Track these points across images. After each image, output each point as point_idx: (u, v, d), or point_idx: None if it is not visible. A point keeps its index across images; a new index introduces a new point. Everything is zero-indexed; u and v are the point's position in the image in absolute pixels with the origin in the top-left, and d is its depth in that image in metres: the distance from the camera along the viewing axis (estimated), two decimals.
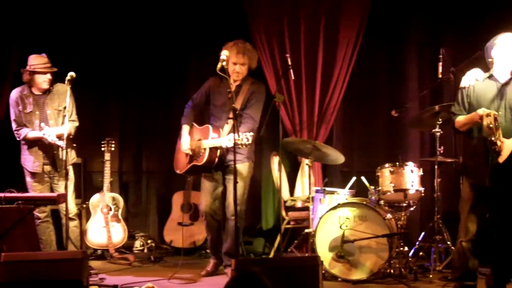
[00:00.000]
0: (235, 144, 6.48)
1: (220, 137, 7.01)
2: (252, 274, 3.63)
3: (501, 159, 5.72)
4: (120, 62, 9.75)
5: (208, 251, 7.88)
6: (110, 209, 8.65)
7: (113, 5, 9.58)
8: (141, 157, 10.06)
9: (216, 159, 7.09)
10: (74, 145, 7.72)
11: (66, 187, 7.15)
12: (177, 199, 9.12)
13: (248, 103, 7.21)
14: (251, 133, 6.55)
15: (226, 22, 9.20)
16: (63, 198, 6.92)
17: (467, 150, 6.19)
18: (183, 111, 7.54)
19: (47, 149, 7.49)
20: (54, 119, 7.52)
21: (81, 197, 8.89)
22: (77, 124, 7.65)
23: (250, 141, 6.51)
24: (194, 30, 9.54)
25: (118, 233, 8.65)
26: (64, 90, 7.37)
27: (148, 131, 9.99)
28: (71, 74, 7.05)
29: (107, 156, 8.60)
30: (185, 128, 7.38)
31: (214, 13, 9.41)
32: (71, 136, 7.52)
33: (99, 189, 8.71)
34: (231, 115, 6.58)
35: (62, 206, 7.44)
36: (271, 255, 8.27)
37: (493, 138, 5.57)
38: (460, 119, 6.06)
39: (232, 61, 7.10)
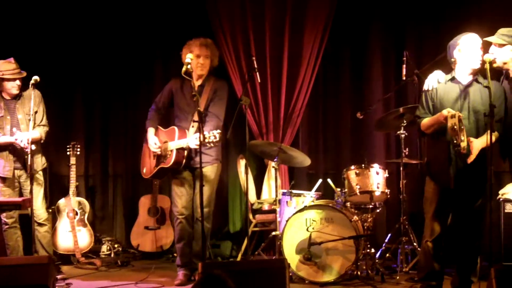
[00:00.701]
0: (201, 144, 6.49)
1: (186, 138, 6.99)
2: (216, 277, 3.64)
3: (470, 159, 5.76)
4: (84, 64, 9.69)
5: (175, 254, 7.82)
6: (76, 214, 8.60)
7: (76, 6, 9.53)
8: (107, 161, 9.99)
9: (184, 160, 7.08)
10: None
11: (31, 192, 7.10)
12: (144, 202, 9.09)
13: (212, 102, 7.20)
14: (218, 131, 6.55)
15: (191, 24, 9.17)
16: (28, 203, 6.86)
17: (432, 152, 6.25)
18: (147, 115, 7.52)
19: (18, 154, 7.42)
20: (26, 124, 7.45)
21: (47, 201, 8.81)
22: (47, 128, 7.61)
23: (218, 139, 6.51)
24: (158, 32, 9.53)
25: (85, 238, 8.60)
26: (35, 95, 7.35)
27: (114, 134, 9.93)
28: (35, 78, 7.06)
29: (72, 160, 8.54)
30: (151, 131, 7.36)
31: (178, 15, 9.40)
32: (42, 141, 7.51)
33: (65, 193, 8.65)
34: (196, 118, 6.57)
35: (34, 211, 7.40)
36: (239, 258, 8.26)
37: (456, 140, 5.61)
38: (425, 121, 6.10)
39: (196, 53, 7.08)
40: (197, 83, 7.19)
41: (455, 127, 5.59)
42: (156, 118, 7.48)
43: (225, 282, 3.61)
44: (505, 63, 5.96)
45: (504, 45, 5.92)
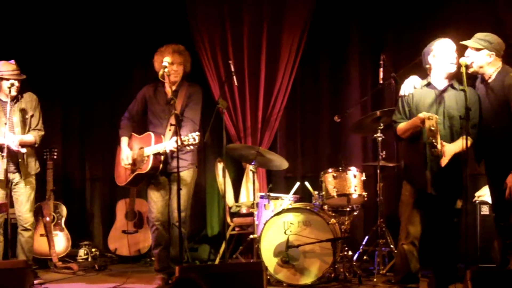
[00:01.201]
0: (180, 148, 6.49)
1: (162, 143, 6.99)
2: (190, 280, 3.65)
3: (443, 162, 5.80)
4: (62, 67, 9.66)
5: (153, 258, 7.81)
6: (53, 218, 8.56)
7: (55, 9, 9.49)
8: (85, 165, 9.96)
9: (161, 165, 7.06)
10: None
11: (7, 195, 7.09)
12: (121, 206, 9.07)
13: (187, 107, 7.17)
14: (197, 133, 6.53)
15: (170, 28, 9.19)
16: (5, 207, 6.83)
17: (408, 156, 6.28)
18: (120, 123, 7.50)
19: (12, 157, 7.36)
20: (21, 127, 7.41)
21: None
22: (42, 133, 7.57)
23: (197, 141, 6.50)
24: (138, 36, 9.50)
25: (62, 242, 8.57)
26: (32, 99, 7.38)
27: (92, 138, 9.90)
28: (12, 82, 7.02)
29: (49, 165, 8.50)
30: (124, 140, 7.33)
31: (157, 19, 9.39)
32: (36, 145, 7.50)
33: (43, 197, 8.60)
34: (173, 122, 6.55)
35: (19, 216, 7.39)
36: (217, 262, 8.25)
37: (434, 141, 5.65)
38: (402, 126, 6.14)
39: (169, 61, 7.08)
40: (171, 88, 7.18)
41: (433, 128, 5.63)
42: (129, 126, 7.43)
43: (199, 286, 3.62)
44: (481, 67, 6.00)
45: (480, 49, 5.97)
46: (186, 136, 6.53)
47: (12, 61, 7.44)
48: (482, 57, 5.98)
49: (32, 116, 7.45)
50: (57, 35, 9.59)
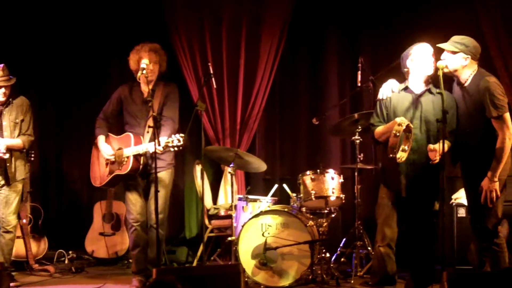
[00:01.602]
0: (165, 150, 6.50)
1: (142, 144, 6.97)
2: (165, 283, 3.64)
3: (436, 159, 5.82)
4: (38, 67, 9.63)
5: (130, 261, 7.78)
6: (30, 220, 8.51)
7: (31, 7, 9.46)
8: (62, 167, 9.92)
9: (141, 167, 7.04)
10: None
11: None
12: (99, 208, 9.02)
13: (164, 106, 7.15)
14: (182, 134, 6.51)
15: (147, 28, 9.17)
16: None
17: (385, 159, 6.31)
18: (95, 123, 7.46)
19: (0, 160, 7.34)
20: (10, 131, 7.38)
21: None
22: (32, 138, 7.55)
23: (182, 142, 6.48)
24: (115, 35, 9.47)
25: (38, 244, 8.52)
26: (23, 103, 7.40)
27: (69, 140, 9.86)
28: None
29: (26, 167, 8.45)
30: (101, 138, 7.28)
31: (135, 19, 9.38)
32: (24, 150, 7.49)
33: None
34: (151, 123, 6.53)
35: (2, 218, 7.38)
36: (195, 264, 8.25)
37: (394, 148, 5.69)
38: (379, 129, 6.18)
39: (147, 63, 7.05)
40: (146, 88, 7.15)
41: (398, 134, 5.67)
42: (105, 126, 7.38)
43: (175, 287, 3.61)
44: (456, 70, 6.04)
45: (456, 52, 6.00)
46: (170, 138, 6.52)
47: (2, 66, 7.40)
48: (458, 60, 6.01)
49: (22, 120, 7.44)
50: (33, 34, 9.55)
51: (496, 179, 5.85)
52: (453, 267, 7.65)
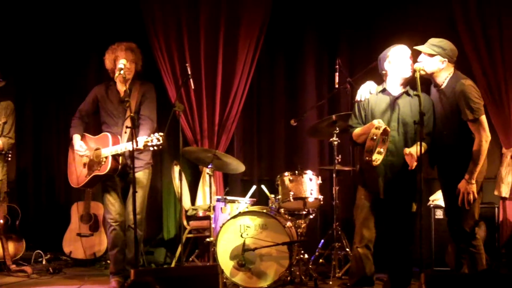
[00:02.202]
0: (145, 149, 6.51)
1: (121, 143, 6.95)
2: (143, 283, 3.64)
3: (413, 165, 5.84)
4: (14, 65, 9.58)
5: (108, 261, 7.76)
6: (7, 220, 8.46)
7: (8, 3, 9.42)
8: (40, 167, 9.87)
9: (119, 167, 7.02)
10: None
11: None
12: (76, 209, 8.98)
13: (142, 105, 7.14)
14: (161, 133, 6.50)
15: (125, 26, 9.18)
16: None
17: (363, 161, 6.32)
18: (71, 122, 7.43)
19: None
20: None
21: None
22: (13, 141, 7.55)
23: (161, 141, 6.47)
24: (92, 33, 9.45)
25: (15, 245, 8.47)
26: (8, 106, 7.46)
27: (47, 139, 9.81)
28: None
29: (4, 168, 8.40)
30: (77, 137, 7.23)
31: (113, 17, 9.37)
32: (3, 152, 7.51)
33: None
34: (128, 124, 6.50)
35: None
36: (173, 265, 8.23)
37: (371, 151, 5.71)
38: (357, 131, 6.19)
39: (125, 63, 7.04)
40: (123, 87, 7.13)
41: (375, 137, 5.69)
42: (80, 125, 7.35)
43: None
44: (432, 73, 6.07)
45: (434, 55, 6.03)
46: (149, 137, 6.50)
47: None
48: (435, 63, 6.04)
49: (5, 122, 7.44)
50: (8, 32, 9.49)
51: (473, 181, 5.88)
52: (431, 268, 7.70)
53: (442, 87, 6.09)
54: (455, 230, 6.10)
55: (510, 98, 8.09)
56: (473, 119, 5.87)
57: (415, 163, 5.83)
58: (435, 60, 6.02)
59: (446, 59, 6.01)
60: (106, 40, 7.69)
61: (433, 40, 6.11)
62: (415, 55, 6.14)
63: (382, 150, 5.88)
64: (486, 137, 5.89)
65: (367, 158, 5.79)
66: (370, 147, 5.74)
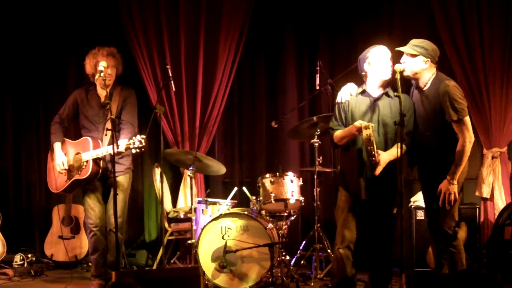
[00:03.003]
0: (127, 150, 6.53)
1: (101, 147, 6.93)
2: (127, 285, 3.63)
3: (377, 171, 5.86)
4: None
5: (90, 264, 7.73)
6: None
7: None
8: (20, 169, 9.82)
9: (100, 171, 7.00)
10: None
11: None
12: (58, 212, 8.95)
13: (123, 110, 7.13)
14: (143, 136, 6.49)
15: (105, 29, 9.18)
16: None
17: (344, 162, 6.33)
18: (51, 128, 7.40)
19: None
20: None
21: None
22: None
23: (143, 144, 6.46)
24: (72, 36, 9.43)
25: None
26: None
27: (27, 142, 9.74)
28: None
29: None
30: (57, 146, 7.22)
31: (92, 19, 9.34)
32: None
33: None
34: (109, 126, 6.48)
35: None
36: (154, 267, 8.22)
37: (372, 151, 5.70)
38: (338, 133, 6.16)
39: (105, 65, 7.02)
40: (103, 92, 7.12)
41: (372, 138, 5.67)
42: (60, 131, 7.33)
43: None
44: (415, 73, 6.07)
45: (416, 55, 6.04)
46: (131, 140, 6.50)
47: None
48: (417, 63, 6.05)
49: None
50: None
51: (455, 182, 5.90)
52: (412, 269, 7.73)
53: (425, 88, 6.09)
54: (436, 231, 6.13)
55: (491, 99, 8.15)
56: (457, 120, 5.88)
57: (380, 168, 5.86)
58: (417, 60, 6.03)
59: (429, 59, 6.02)
60: (85, 42, 7.70)
61: (414, 41, 6.12)
62: (397, 56, 6.14)
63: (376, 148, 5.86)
64: (470, 138, 5.91)
65: (370, 159, 5.76)
66: (370, 148, 5.72)
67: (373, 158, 5.74)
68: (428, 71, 6.08)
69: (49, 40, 9.51)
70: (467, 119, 5.93)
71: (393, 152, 5.84)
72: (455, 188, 5.91)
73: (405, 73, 6.04)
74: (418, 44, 6.08)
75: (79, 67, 7.79)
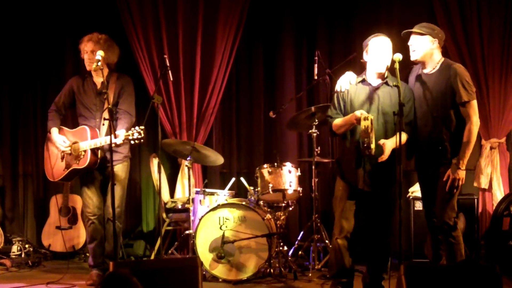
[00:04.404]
0: (124, 142, 6.56)
1: (99, 137, 6.91)
2: (119, 276, 3.61)
3: (382, 159, 5.82)
4: None
5: (88, 254, 7.72)
6: None
7: None
8: (17, 160, 9.77)
9: (98, 160, 6.99)
10: None
11: None
12: (55, 202, 8.91)
13: (120, 98, 7.13)
14: (142, 127, 6.49)
15: (102, 16, 9.10)
16: None
17: (342, 152, 6.31)
18: (47, 115, 7.39)
19: None
20: None
21: None
22: None
23: (142, 135, 6.47)
24: (69, 24, 9.33)
25: None
26: None
27: (24, 132, 9.66)
28: None
29: None
30: (55, 131, 7.21)
31: (89, 7, 9.26)
32: None
33: None
34: (106, 116, 6.45)
35: None
36: (152, 258, 8.21)
37: (366, 143, 5.68)
38: (337, 122, 6.12)
39: (90, 49, 7.05)
40: (99, 79, 7.10)
41: (369, 130, 5.65)
42: (57, 118, 7.33)
43: (129, 281, 3.58)
44: (425, 54, 6.04)
45: (424, 34, 6.02)
46: (130, 131, 6.50)
47: None
48: (426, 42, 6.04)
49: None
50: None
51: (463, 167, 5.88)
52: (410, 260, 7.72)
53: (434, 71, 6.06)
54: (433, 222, 6.11)
55: (490, 90, 8.14)
56: (467, 101, 5.87)
57: (386, 157, 5.83)
58: (425, 40, 6.01)
59: (437, 40, 6.02)
60: (82, 30, 7.65)
61: (420, 24, 6.12)
62: (398, 46, 6.12)
63: (373, 140, 5.83)
64: (476, 121, 5.91)
65: (367, 153, 5.74)
66: (366, 140, 5.69)
67: (369, 150, 5.72)
68: (437, 52, 6.07)
69: (45, 28, 9.43)
70: (475, 103, 5.94)
71: (395, 140, 5.82)
72: (463, 174, 5.89)
73: (414, 57, 6.03)
74: (425, 25, 6.11)
75: (76, 55, 7.76)
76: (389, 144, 5.84)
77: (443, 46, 6.19)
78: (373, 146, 5.73)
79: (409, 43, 6.09)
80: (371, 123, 5.67)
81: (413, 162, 6.40)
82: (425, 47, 6.04)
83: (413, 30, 6.08)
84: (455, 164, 5.89)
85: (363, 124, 5.65)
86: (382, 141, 5.82)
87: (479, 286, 4.82)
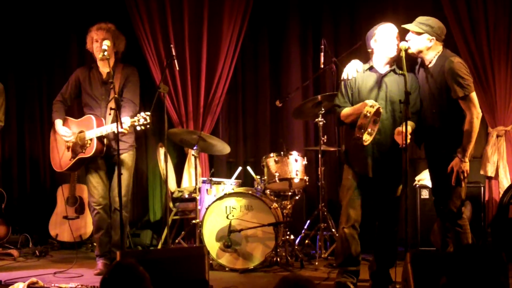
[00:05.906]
0: (131, 127, 6.60)
1: (105, 125, 6.93)
2: (125, 265, 3.62)
3: (408, 140, 5.77)
4: None
5: (95, 244, 7.74)
6: None
7: None
8: (25, 149, 9.78)
9: (104, 148, 7.01)
10: None
11: None
12: (62, 192, 8.93)
13: (125, 88, 7.14)
14: (148, 112, 6.52)
15: (108, 7, 9.10)
16: None
17: (350, 140, 6.28)
18: (52, 107, 7.41)
19: None
20: None
21: None
22: (2, 124, 7.42)
23: (148, 120, 6.49)
24: (74, 13, 9.34)
25: (1, 228, 8.45)
26: None
27: (30, 121, 9.69)
28: None
29: None
30: (59, 122, 7.24)
31: (95, 2, 9.26)
32: None
33: None
34: (112, 105, 6.46)
35: None
36: (159, 247, 8.23)
37: (362, 128, 5.65)
38: (346, 111, 6.08)
39: (95, 38, 7.06)
40: (105, 69, 7.11)
41: (368, 114, 5.62)
42: (62, 109, 7.35)
43: (136, 270, 3.59)
44: (420, 52, 6.02)
45: (421, 33, 5.99)
46: (136, 117, 6.51)
47: None
48: (422, 41, 5.99)
49: None
50: None
51: (467, 159, 5.85)
52: (417, 248, 7.72)
53: (430, 65, 6.04)
54: (442, 209, 6.10)
55: (495, 78, 8.10)
56: (463, 96, 5.82)
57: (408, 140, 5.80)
58: (422, 38, 5.97)
59: (434, 38, 5.96)
60: (87, 19, 7.65)
61: (420, 19, 6.05)
62: (403, 33, 6.10)
63: (371, 130, 5.80)
64: (477, 114, 5.86)
65: (358, 135, 5.69)
66: (363, 124, 5.66)
67: (358, 135, 5.69)
68: (433, 49, 6.02)
69: (50, 18, 9.43)
70: (473, 95, 5.87)
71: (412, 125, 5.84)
72: (467, 166, 5.86)
73: (410, 51, 6.00)
74: (424, 21, 6.02)
75: (81, 44, 7.76)
76: (409, 128, 5.79)
77: (446, 35, 6.15)
78: (366, 137, 5.71)
79: (406, 38, 6.04)
80: (376, 114, 5.66)
81: (420, 150, 6.39)
82: (421, 45, 5.99)
83: (410, 28, 6.04)
84: (458, 156, 5.89)
85: (366, 109, 5.64)
86: (400, 129, 5.77)
87: (485, 273, 4.82)
